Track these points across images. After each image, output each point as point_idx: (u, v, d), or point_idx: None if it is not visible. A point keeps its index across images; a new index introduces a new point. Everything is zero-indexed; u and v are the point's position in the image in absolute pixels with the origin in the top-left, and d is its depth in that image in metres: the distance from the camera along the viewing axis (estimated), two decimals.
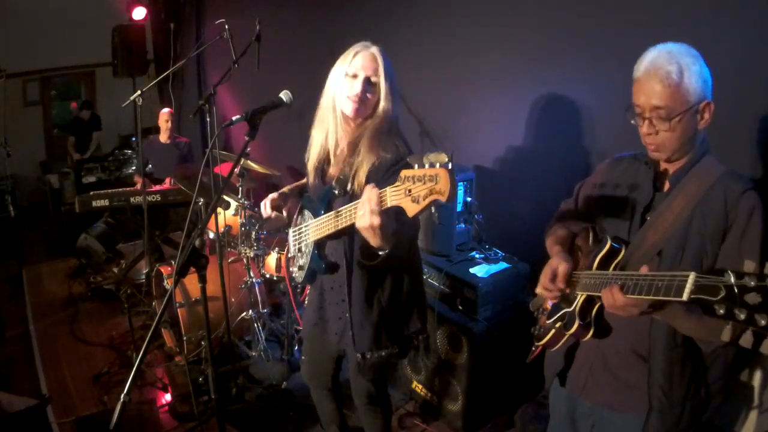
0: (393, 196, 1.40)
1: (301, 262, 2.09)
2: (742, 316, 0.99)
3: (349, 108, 1.83)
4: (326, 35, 4.20)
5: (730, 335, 1.04)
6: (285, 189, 2.21)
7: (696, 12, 2.18)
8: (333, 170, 1.94)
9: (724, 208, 1.32)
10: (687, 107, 1.33)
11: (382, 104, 1.85)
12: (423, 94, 3.60)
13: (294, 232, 2.11)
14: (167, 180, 4.50)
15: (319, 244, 1.95)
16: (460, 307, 2.70)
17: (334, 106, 1.88)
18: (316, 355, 2.29)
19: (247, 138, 1.71)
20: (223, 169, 3.19)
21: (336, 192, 1.86)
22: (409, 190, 1.33)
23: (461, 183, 2.78)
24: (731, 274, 1.01)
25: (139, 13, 6.14)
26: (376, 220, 1.45)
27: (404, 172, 1.35)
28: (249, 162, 3.59)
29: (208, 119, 2.84)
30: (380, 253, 1.61)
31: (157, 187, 4.26)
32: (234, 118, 1.70)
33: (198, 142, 6.08)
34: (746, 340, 1.02)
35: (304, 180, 2.17)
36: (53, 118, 7.48)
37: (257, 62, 3.15)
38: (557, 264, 1.55)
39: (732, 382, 1.54)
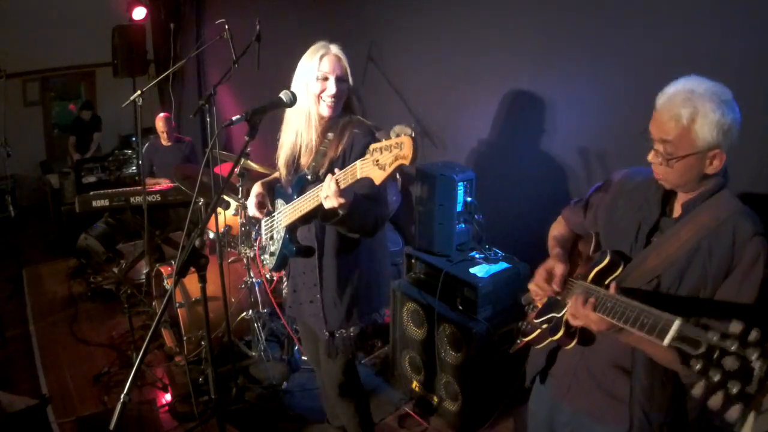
0: (362, 168, 1.56)
1: (272, 248, 2.18)
2: (716, 378, 0.99)
3: (325, 109, 1.96)
4: (326, 35, 4.18)
5: (701, 392, 1.03)
6: (263, 186, 2.23)
7: (699, 12, 2.18)
8: (304, 160, 2.03)
9: (732, 248, 1.29)
10: (690, 152, 1.29)
11: (350, 98, 2.01)
12: (423, 94, 3.61)
13: (266, 222, 2.21)
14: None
15: (291, 229, 2.04)
16: (460, 307, 2.70)
17: (305, 108, 1.97)
18: (306, 335, 2.41)
19: (247, 138, 1.71)
20: (223, 169, 3.19)
21: (309, 178, 1.96)
22: (377, 161, 1.49)
23: (461, 183, 2.79)
24: (715, 333, 1.01)
25: (139, 13, 6.14)
26: (340, 201, 1.66)
27: (372, 146, 1.51)
28: (249, 162, 3.59)
29: (208, 119, 2.84)
30: (340, 211, 1.73)
31: (157, 187, 4.25)
32: (234, 118, 1.71)
33: (198, 142, 6.08)
34: (715, 401, 1.01)
35: (277, 174, 2.27)
36: (53, 118, 7.47)
37: (257, 62, 3.16)
38: (553, 265, 1.55)
39: None
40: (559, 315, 1.51)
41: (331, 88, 1.92)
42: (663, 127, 1.32)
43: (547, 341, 1.57)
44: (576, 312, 1.36)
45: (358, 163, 1.57)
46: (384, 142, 1.47)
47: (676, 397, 1.42)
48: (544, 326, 1.58)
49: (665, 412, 1.42)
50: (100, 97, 7.38)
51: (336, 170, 1.67)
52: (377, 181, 1.52)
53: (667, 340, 1.09)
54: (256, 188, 2.19)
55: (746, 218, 1.31)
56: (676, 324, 1.08)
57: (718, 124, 1.26)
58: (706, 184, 1.36)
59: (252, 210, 2.19)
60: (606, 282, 1.41)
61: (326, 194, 1.67)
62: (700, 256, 1.32)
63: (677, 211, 1.42)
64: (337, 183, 1.64)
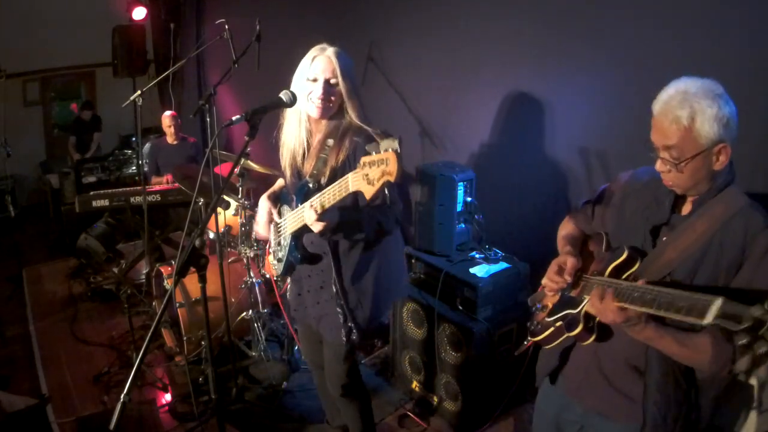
0: (354, 181, 1.57)
1: (280, 254, 2.17)
2: (762, 350, 1.01)
3: (314, 111, 1.94)
4: (326, 36, 4.17)
5: (746, 366, 1.04)
6: (269, 200, 2.21)
7: (699, 12, 2.17)
8: (307, 166, 2.02)
9: (743, 241, 1.30)
10: (697, 152, 1.30)
11: (346, 103, 1.95)
12: (423, 95, 3.61)
13: (273, 226, 2.19)
14: (165, 179, 4.50)
15: (297, 236, 2.04)
16: (460, 307, 2.70)
17: (299, 109, 1.97)
18: (307, 337, 2.40)
19: (247, 138, 1.71)
20: (223, 169, 3.18)
21: (311, 186, 1.95)
22: (367, 175, 1.51)
23: (461, 183, 2.79)
24: (758, 308, 1.02)
25: (139, 13, 6.14)
26: (321, 225, 1.76)
27: (363, 159, 1.51)
28: (249, 162, 3.59)
29: (208, 119, 2.84)
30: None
31: (158, 187, 4.25)
32: (234, 118, 1.71)
33: (198, 143, 6.09)
34: (763, 372, 1.03)
35: (280, 182, 2.25)
36: (53, 118, 7.47)
37: (257, 62, 3.15)
38: (565, 259, 1.57)
39: (731, 383, 1.53)
40: (576, 311, 1.52)
41: (318, 90, 1.90)
42: (665, 132, 1.33)
43: (563, 338, 1.58)
44: (594, 304, 1.38)
45: (350, 175, 1.58)
46: (374, 156, 1.48)
47: (689, 393, 1.43)
48: (558, 324, 1.57)
49: (680, 406, 1.42)
50: (100, 97, 7.37)
51: (316, 198, 1.71)
52: (367, 196, 1.52)
53: (709, 318, 1.09)
54: (265, 205, 2.16)
55: (756, 211, 1.33)
56: (719, 302, 1.09)
57: (717, 118, 1.28)
58: (714, 182, 1.38)
59: (263, 229, 2.18)
60: (623, 277, 1.42)
61: (307, 221, 1.73)
62: (712, 252, 1.33)
63: (687, 208, 1.44)
64: (315, 211, 1.71)
